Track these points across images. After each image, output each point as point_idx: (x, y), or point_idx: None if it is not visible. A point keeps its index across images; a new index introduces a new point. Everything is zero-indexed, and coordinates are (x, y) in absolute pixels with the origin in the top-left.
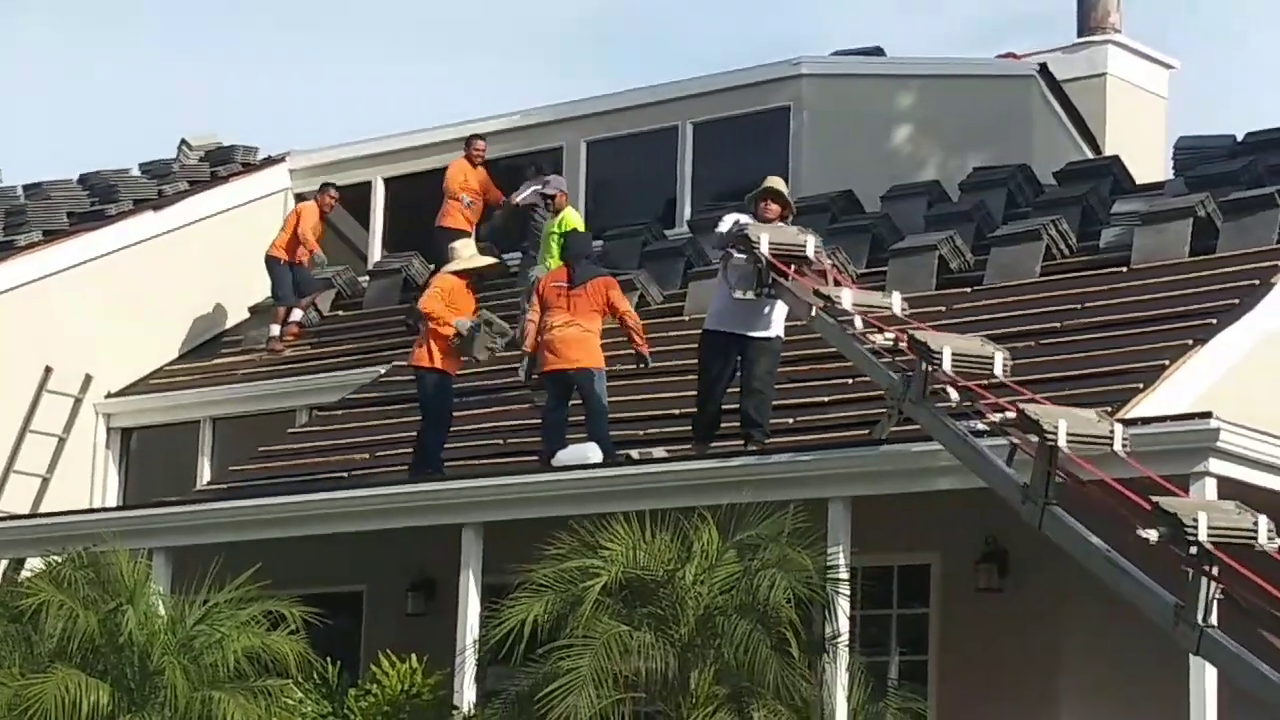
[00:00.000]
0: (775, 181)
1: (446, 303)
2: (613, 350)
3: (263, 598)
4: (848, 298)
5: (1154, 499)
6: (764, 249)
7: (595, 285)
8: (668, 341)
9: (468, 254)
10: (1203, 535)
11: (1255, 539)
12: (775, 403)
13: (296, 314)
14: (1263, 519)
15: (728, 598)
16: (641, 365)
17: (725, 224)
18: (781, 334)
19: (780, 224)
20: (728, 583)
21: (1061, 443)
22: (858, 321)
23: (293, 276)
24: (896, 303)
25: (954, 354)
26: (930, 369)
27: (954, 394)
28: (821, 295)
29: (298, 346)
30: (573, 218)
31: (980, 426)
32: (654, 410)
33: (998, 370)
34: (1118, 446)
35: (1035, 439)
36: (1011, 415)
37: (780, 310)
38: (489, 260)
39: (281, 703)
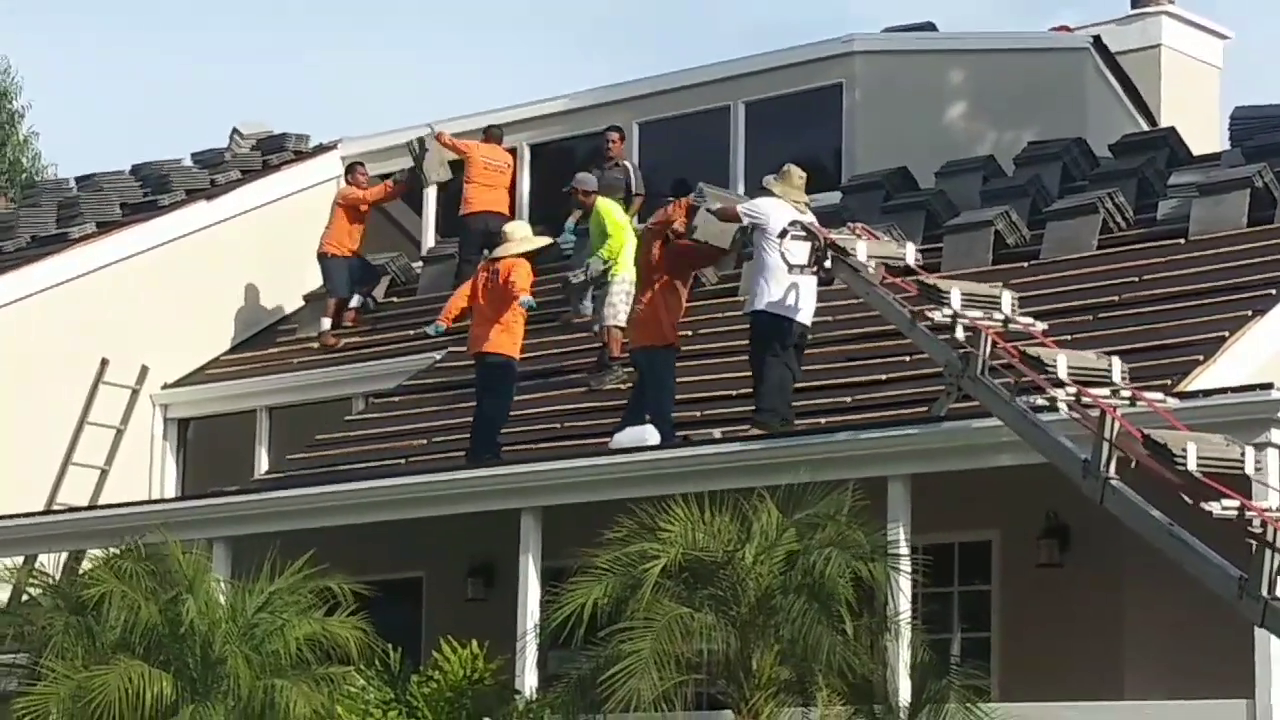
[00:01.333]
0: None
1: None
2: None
3: (317, 579)
4: (862, 249)
5: (1146, 431)
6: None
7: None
8: (724, 322)
9: (521, 235)
10: (1192, 465)
11: (1242, 469)
12: (835, 381)
13: (355, 300)
14: (1249, 449)
15: (786, 577)
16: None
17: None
18: (768, 309)
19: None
20: (787, 562)
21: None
22: (870, 262)
23: (349, 267)
24: (910, 253)
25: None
26: (989, 349)
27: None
28: (835, 246)
29: (353, 334)
30: (603, 211)
31: (1039, 402)
32: (711, 391)
33: (1005, 310)
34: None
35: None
36: (1072, 391)
37: (765, 287)
38: (545, 241)
39: (344, 690)
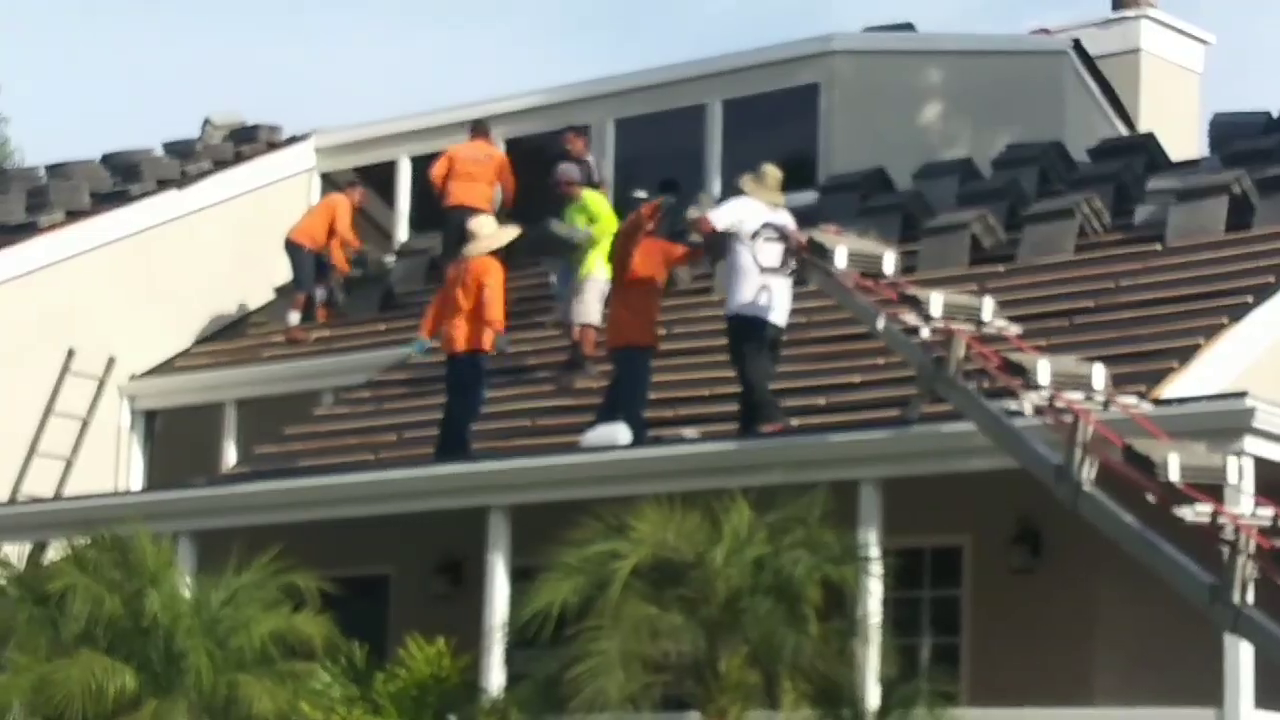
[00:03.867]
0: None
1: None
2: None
3: (283, 575)
4: (842, 251)
5: (1127, 440)
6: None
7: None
8: (697, 321)
9: (488, 231)
10: (1174, 475)
11: (1225, 480)
12: (808, 384)
13: (320, 294)
14: (1231, 459)
15: (756, 580)
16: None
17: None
18: (742, 312)
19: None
20: (757, 564)
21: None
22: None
23: (317, 262)
24: (889, 261)
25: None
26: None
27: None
28: (815, 243)
29: (323, 328)
30: (598, 201)
31: (1013, 407)
32: (684, 391)
33: (986, 316)
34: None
35: (1068, 419)
36: (1045, 395)
37: (737, 288)
38: (515, 232)
39: (308, 686)
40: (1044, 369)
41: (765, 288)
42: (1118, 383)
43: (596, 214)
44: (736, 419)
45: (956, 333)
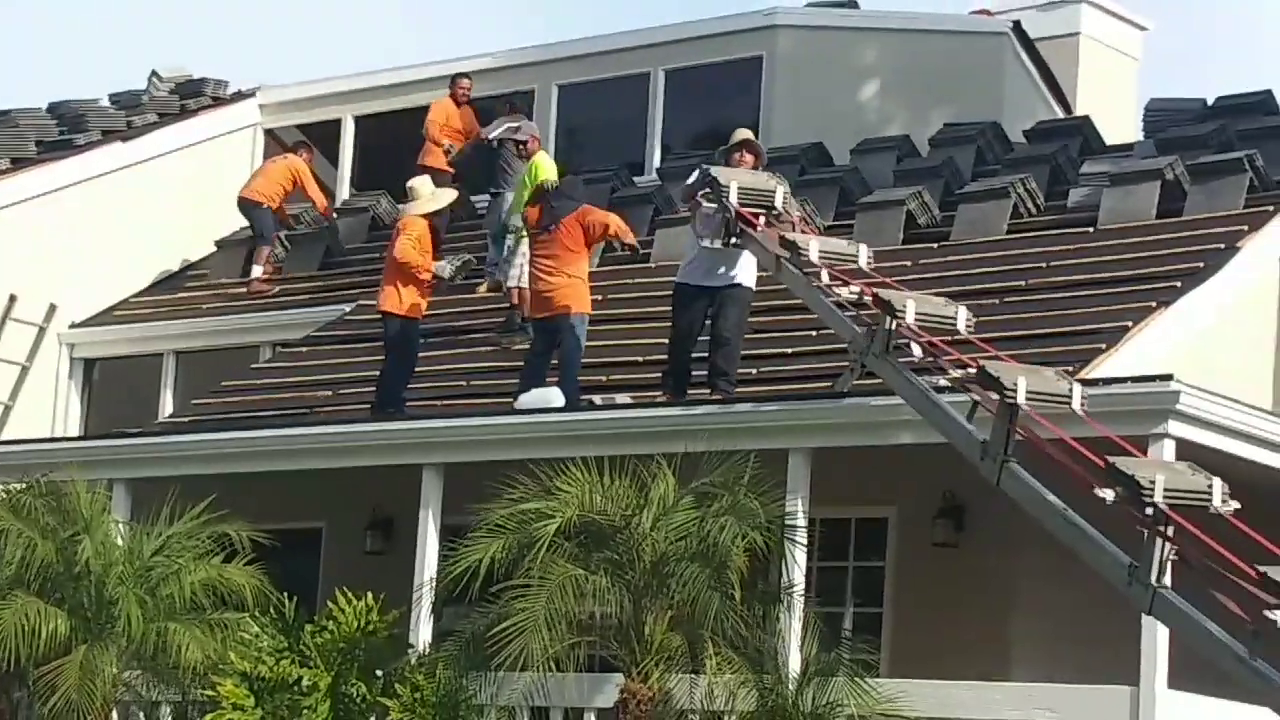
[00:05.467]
0: (746, 133)
1: (420, 249)
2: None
3: (216, 526)
4: (815, 247)
5: (1110, 459)
6: (733, 197)
7: (568, 224)
8: (634, 289)
9: (428, 192)
10: (1159, 497)
11: (1210, 501)
12: (741, 353)
13: (267, 250)
14: (1217, 481)
15: (682, 544)
16: (633, 252)
17: (693, 177)
18: (751, 284)
19: (752, 171)
20: (683, 529)
21: (1021, 400)
22: (824, 274)
23: (272, 216)
24: (863, 256)
25: (918, 311)
26: (895, 325)
27: (917, 350)
28: (788, 244)
29: (264, 283)
30: (544, 163)
31: (942, 382)
32: (619, 357)
33: (960, 327)
34: (1076, 405)
35: (995, 396)
36: (973, 371)
37: (749, 260)
38: (451, 195)
39: (238, 636)
40: (911, 306)
41: (708, 255)
42: (1046, 363)
43: (539, 174)
44: (704, 381)
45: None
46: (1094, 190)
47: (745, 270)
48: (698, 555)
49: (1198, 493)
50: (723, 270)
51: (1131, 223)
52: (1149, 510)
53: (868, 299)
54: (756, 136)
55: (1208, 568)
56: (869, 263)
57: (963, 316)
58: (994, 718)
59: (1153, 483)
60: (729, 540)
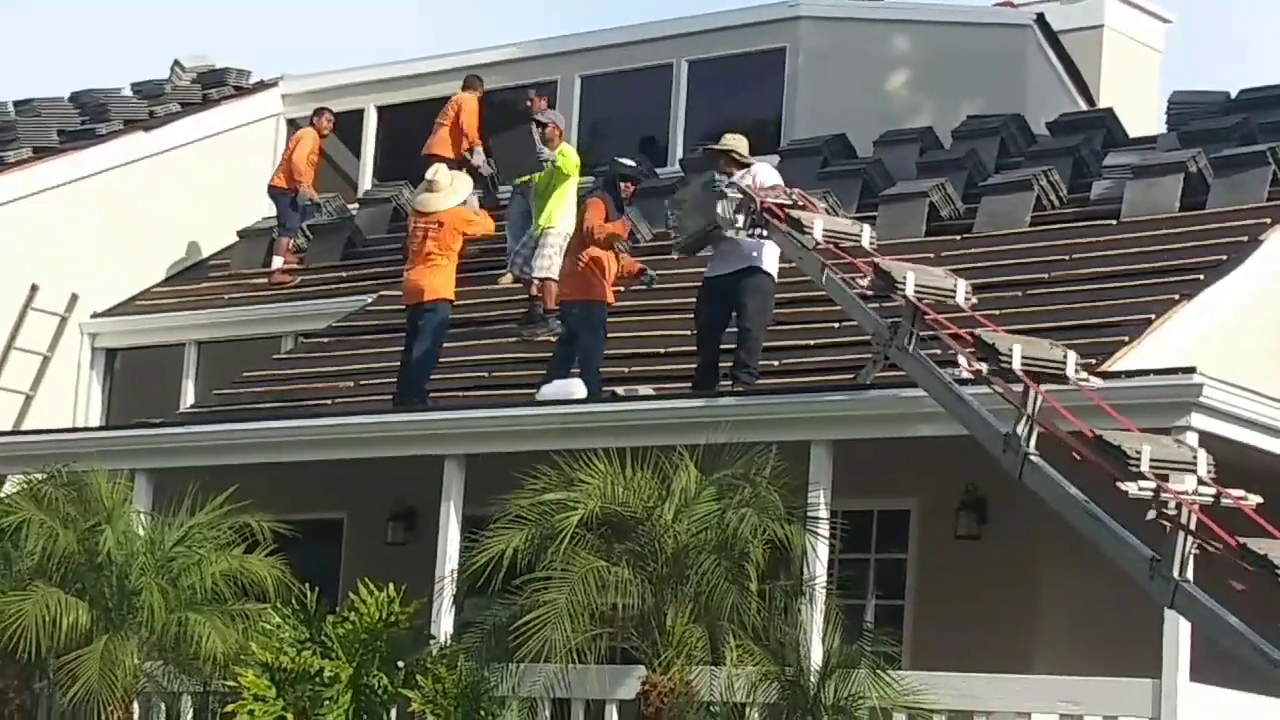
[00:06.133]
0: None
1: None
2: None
3: (237, 517)
4: (819, 225)
5: (1097, 430)
6: (758, 181)
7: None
8: (658, 280)
9: (446, 182)
10: (1145, 467)
11: (1195, 471)
12: (763, 346)
13: (288, 241)
14: (1202, 453)
15: (703, 536)
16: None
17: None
18: (772, 272)
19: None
20: (704, 521)
21: (1016, 366)
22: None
23: (299, 204)
24: (866, 235)
25: (918, 284)
26: (917, 317)
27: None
28: (794, 221)
29: (286, 273)
30: (571, 157)
31: (964, 375)
32: (641, 348)
33: (960, 300)
34: (1070, 371)
35: (986, 362)
36: (970, 345)
37: (772, 250)
38: (468, 183)
39: (259, 627)
40: (1018, 354)
41: (731, 247)
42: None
43: (565, 166)
44: (691, 377)
45: (915, 302)
46: (1117, 183)
47: (767, 259)
48: (719, 547)
49: (1184, 463)
50: (743, 258)
51: (1154, 215)
52: (1173, 505)
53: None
54: (779, 129)
55: (1227, 557)
56: (871, 242)
57: (961, 289)
58: (1016, 710)
59: (1139, 453)
60: (750, 532)
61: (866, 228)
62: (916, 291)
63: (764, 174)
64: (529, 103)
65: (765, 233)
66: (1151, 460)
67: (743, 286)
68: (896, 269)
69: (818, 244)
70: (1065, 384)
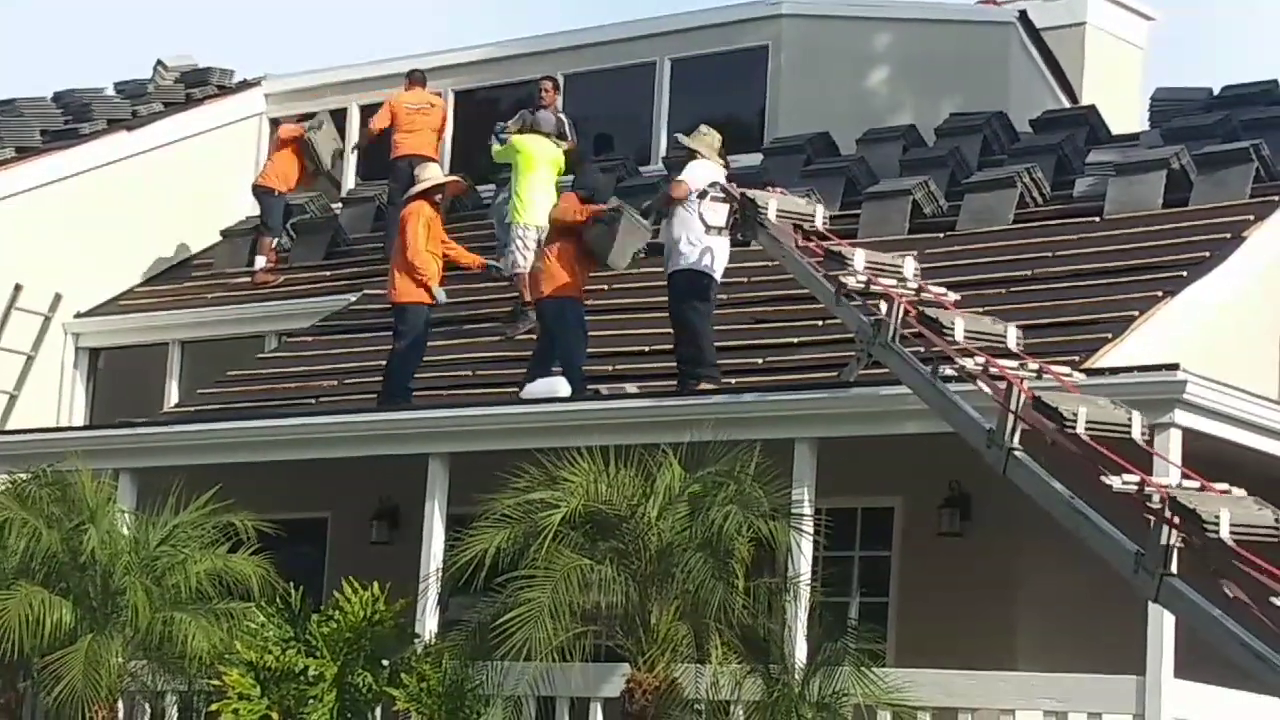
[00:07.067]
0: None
1: (429, 234)
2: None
3: (221, 516)
4: (773, 206)
5: (1037, 392)
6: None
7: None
8: (641, 278)
9: (427, 176)
10: (1081, 429)
11: (1129, 433)
12: (746, 343)
13: (271, 240)
14: (1136, 414)
15: (687, 534)
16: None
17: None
18: (685, 267)
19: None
20: (688, 519)
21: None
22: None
23: (285, 205)
24: (819, 215)
25: (967, 330)
26: (900, 314)
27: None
28: (748, 201)
29: (270, 272)
30: (514, 144)
31: (948, 372)
32: (625, 346)
33: (1011, 344)
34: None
35: (1002, 386)
36: (980, 360)
37: (685, 245)
38: (452, 177)
39: (244, 626)
40: (959, 326)
41: (709, 248)
42: (1052, 352)
43: (498, 156)
44: (674, 375)
45: (896, 298)
46: (1100, 180)
47: (676, 255)
48: (703, 545)
49: (1118, 424)
50: (669, 256)
51: (1137, 212)
52: (1156, 499)
53: (875, 288)
54: (762, 127)
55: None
56: (824, 222)
57: (1012, 335)
58: (1000, 707)
59: (1075, 415)
60: (734, 529)
61: (820, 208)
62: (867, 267)
63: (692, 172)
64: (542, 94)
65: (745, 232)
66: (1088, 422)
67: (677, 292)
68: (846, 249)
69: (772, 223)
70: (1011, 359)
